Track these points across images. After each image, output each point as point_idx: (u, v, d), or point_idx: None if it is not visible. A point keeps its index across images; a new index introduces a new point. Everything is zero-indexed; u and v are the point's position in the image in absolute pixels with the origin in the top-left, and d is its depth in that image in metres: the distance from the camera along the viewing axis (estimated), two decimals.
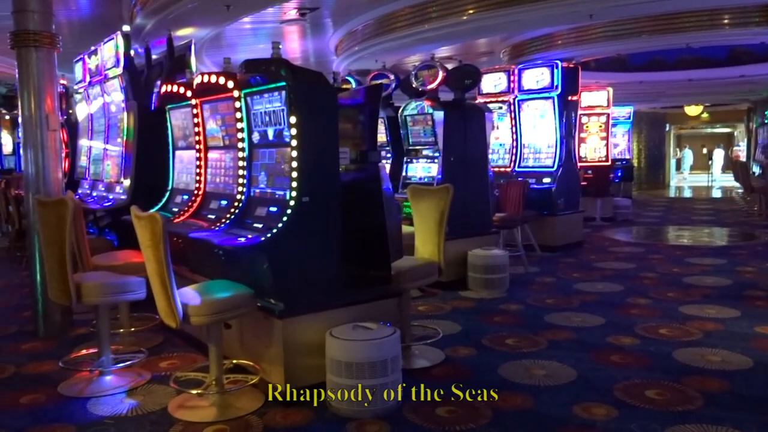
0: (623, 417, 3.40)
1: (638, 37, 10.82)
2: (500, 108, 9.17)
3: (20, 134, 5.25)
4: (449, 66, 7.55)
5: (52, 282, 4.05)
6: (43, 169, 5.07)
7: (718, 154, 28.00)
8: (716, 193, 20.35)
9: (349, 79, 8.54)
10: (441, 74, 7.18)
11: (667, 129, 25.61)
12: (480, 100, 9.13)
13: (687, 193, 20.66)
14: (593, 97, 12.15)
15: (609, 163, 12.09)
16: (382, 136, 7.53)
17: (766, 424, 3.29)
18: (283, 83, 3.70)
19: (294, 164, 3.68)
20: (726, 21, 10.17)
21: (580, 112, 10.34)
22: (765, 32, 10.17)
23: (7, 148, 20.37)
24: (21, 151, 5.22)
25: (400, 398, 3.55)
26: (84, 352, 4.59)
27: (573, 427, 3.32)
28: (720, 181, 24.75)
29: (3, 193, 10.00)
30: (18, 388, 3.99)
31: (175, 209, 5.02)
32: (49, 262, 4.03)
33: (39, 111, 5.05)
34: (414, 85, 7.41)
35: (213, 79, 4.17)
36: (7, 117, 21.99)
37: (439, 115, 6.84)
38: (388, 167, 7.38)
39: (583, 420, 3.38)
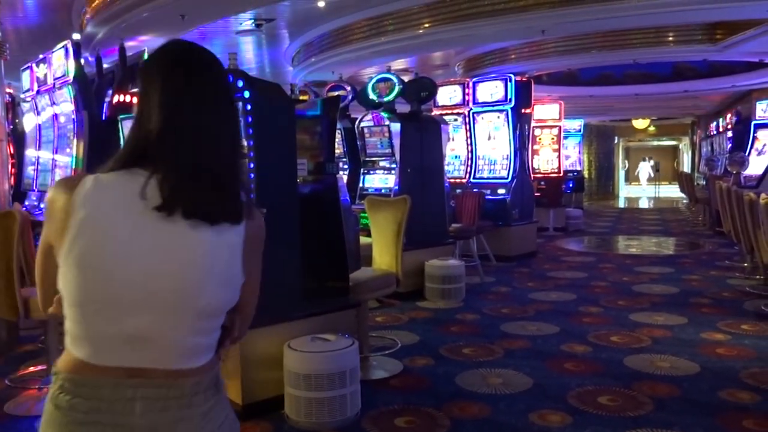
0: (577, 423, 3.47)
1: (588, 53, 11.18)
2: (455, 120, 9.31)
3: None
4: (405, 78, 7.64)
5: None
6: None
7: (644, 167, 29.09)
8: (644, 203, 21.02)
9: (306, 90, 8.54)
10: (397, 86, 7.25)
11: (616, 141, 26.40)
12: (436, 112, 9.25)
13: (636, 204, 21.27)
14: (545, 110, 12.45)
15: (561, 174, 12.37)
16: (338, 148, 7.54)
17: (713, 427, 3.41)
18: (240, 95, 3.68)
19: (251, 175, 3.66)
20: (671, 38, 10.61)
21: (533, 124, 10.58)
22: (707, 50, 10.63)
23: None
24: None
25: (358, 410, 3.54)
26: (32, 369, 4.44)
27: None
28: (648, 192, 25.67)
29: None
30: None
31: None
32: None
33: None
34: (370, 97, 7.46)
35: None
36: None
37: (396, 126, 6.90)
38: (345, 178, 7.39)
39: (539, 427, 3.44)
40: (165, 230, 1.14)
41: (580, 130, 15.87)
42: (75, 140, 5.82)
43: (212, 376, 1.24)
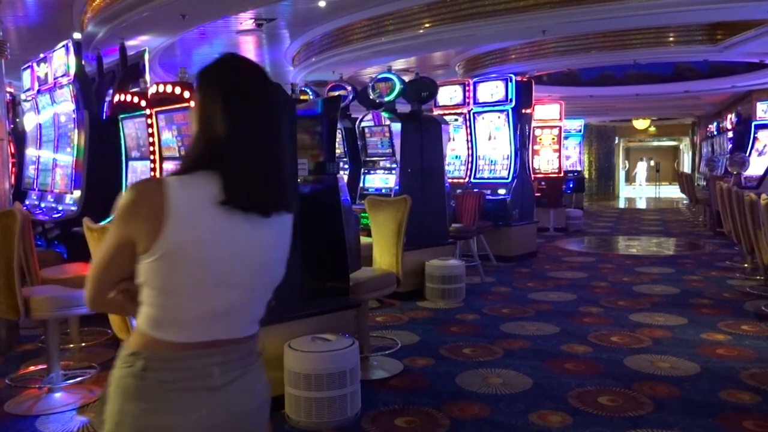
0: (577, 424, 3.47)
1: (588, 53, 11.17)
2: (456, 120, 9.31)
3: None
4: (406, 78, 7.63)
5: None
6: None
7: (642, 167, 29.13)
8: (641, 204, 21.01)
9: (307, 90, 8.54)
10: (398, 86, 7.25)
11: (617, 142, 26.38)
12: (436, 112, 9.24)
13: (637, 204, 21.26)
14: (546, 111, 12.45)
15: (561, 174, 12.38)
16: (339, 148, 7.54)
17: (713, 428, 3.41)
18: None
19: None
20: (671, 39, 10.60)
21: (533, 124, 10.58)
22: (708, 50, 10.62)
23: None
24: None
25: (359, 410, 3.55)
26: (32, 368, 4.44)
27: None
28: (647, 192, 25.66)
29: None
30: None
31: None
32: None
33: None
34: (371, 97, 7.46)
35: (169, 89, 4.12)
36: None
37: (397, 126, 6.90)
38: (345, 178, 7.39)
39: (539, 428, 3.44)
40: (242, 221, 1.36)
41: (580, 131, 15.87)
42: (75, 139, 5.82)
43: (256, 341, 1.52)
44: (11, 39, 6.73)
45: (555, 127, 12.47)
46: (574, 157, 15.62)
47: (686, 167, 26.60)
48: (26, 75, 6.95)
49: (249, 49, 11.36)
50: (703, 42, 10.42)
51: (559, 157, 12.43)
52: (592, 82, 15.35)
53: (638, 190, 28.23)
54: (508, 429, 3.44)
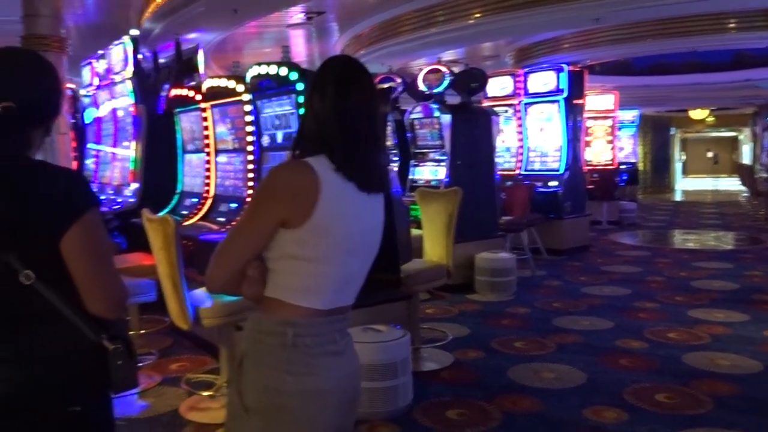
0: (633, 420, 3.40)
1: (644, 41, 10.82)
2: (506, 111, 9.18)
3: None
4: (456, 69, 7.57)
5: None
6: None
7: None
8: (702, 197, 20.30)
9: None
10: (447, 78, 7.20)
11: (673, 132, 25.59)
12: (486, 103, 9.14)
13: (693, 197, 20.61)
14: (599, 101, 12.16)
15: (614, 166, 12.09)
16: (388, 140, 7.54)
17: None
18: (293, 87, 3.72)
19: None
20: (732, 25, 10.17)
21: (585, 115, 10.34)
22: None
23: None
24: None
25: (410, 401, 3.55)
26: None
27: (583, 430, 3.33)
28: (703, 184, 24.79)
29: None
30: None
31: (184, 212, 5.04)
32: None
33: None
34: (421, 89, 7.42)
35: (223, 83, 4.20)
36: None
37: (447, 118, 6.85)
38: (395, 170, 7.38)
39: (593, 423, 3.38)
40: (364, 198, 1.54)
41: (634, 121, 15.43)
42: (133, 133, 5.99)
43: None
44: (72, 36, 6.95)
45: (608, 117, 12.17)
46: (628, 148, 15.20)
47: (746, 159, 25.61)
48: (86, 71, 7.19)
49: (298, 42, 11.45)
50: (765, 27, 9.98)
51: (613, 148, 12.14)
52: (647, 71, 14.92)
53: (695, 182, 27.32)
54: (561, 424, 3.39)
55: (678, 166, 26.65)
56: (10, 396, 1.40)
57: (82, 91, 7.59)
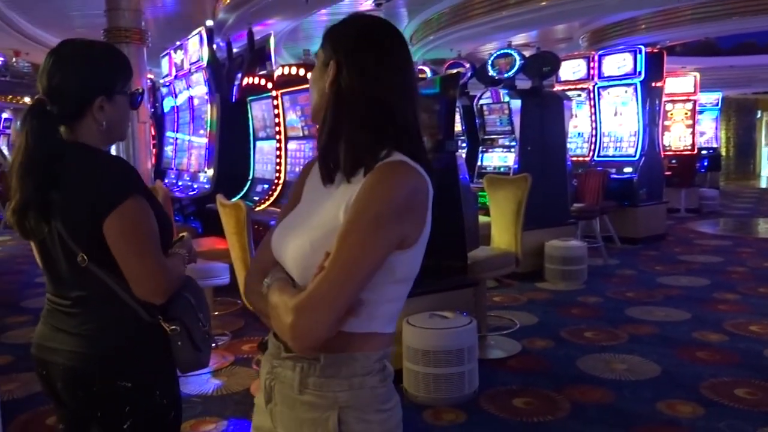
0: (711, 415, 3.27)
1: (729, 19, 10.28)
2: (579, 96, 8.92)
3: None
4: (526, 53, 7.42)
5: None
6: (133, 160, 5.34)
7: None
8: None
9: (424, 68, 8.53)
10: (518, 62, 7.07)
11: (759, 116, 24.19)
12: (558, 87, 8.91)
13: None
14: (679, 83, 11.62)
15: (695, 152, 11.56)
16: (457, 126, 7.49)
17: None
18: None
19: None
20: None
21: (664, 99, 9.92)
22: None
23: None
24: None
25: (476, 388, 3.55)
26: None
27: (656, 423, 3.23)
28: None
29: None
30: None
31: (256, 198, 5.18)
32: None
33: None
34: (490, 74, 7.32)
35: (293, 71, 4.27)
36: None
37: (516, 103, 6.73)
38: (462, 156, 7.33)
39: (668, 417, 3.28)
40: None
41: (717, 104, 14.66)
42: (208, 121, 6.18)
43: None
44: (150, 28, 7.22)
45: (688, 101, 11.62)
46: (710, 132, 14.48)
47: None
48: (164, 62, 7.46)
49: None
50: None
51: (693, 133, 11.60)
52: (731, 51, 14.17)
53: None
54: (633, 416, 3.31)
55: (764, 152, 25.18)
56: (70, 368, 1.54)
57: (161, 81, 7.89)
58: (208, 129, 6.17)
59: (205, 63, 6.20)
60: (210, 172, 6.08)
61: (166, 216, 1.67)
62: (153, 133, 7.68)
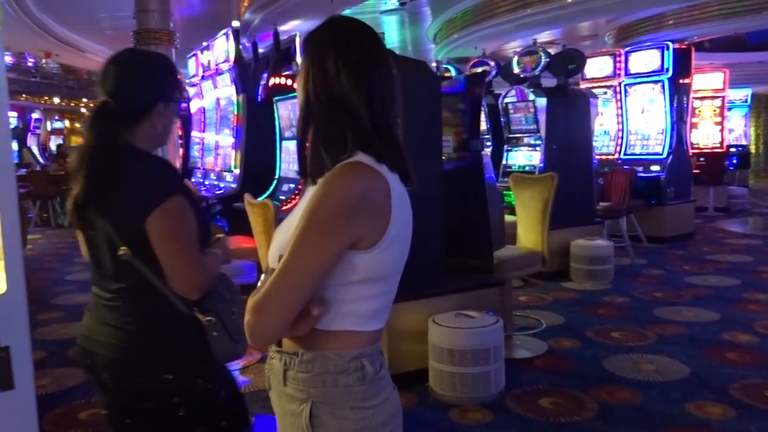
0: (741, 417, 3.23)
1: (759, 14, 10.08)
2: (605, 93, 8.83)
3: None
4: (551, 51, 7.37)
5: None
6: None
7: None
8: None
9: (449, 67, 8.52)
10: (543, 60, 7.02)
11: None
12: (584, 85, 8.83)
13: None
14: (707, 80, 11.45)
15: (723, 149, 11.37)
16: (482, 124, 7.46)
17: None
18: None
19: None
20: None
21: (692, 95, 9.78)
22: None
23: None
24: None
25: (502, 387, 3.54)
26: None
27: (686, 425, 3.20)
28: None
29: None
30: None
31: (282, 197, 5.22)
32: None
33: None
34: (515, 72, 7.29)
35: None
36: None
37: (542, 101, 6.70)
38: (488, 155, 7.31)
39: (697, 418, 3.25)
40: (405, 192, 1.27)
41: (746, 101, 14.40)
42: (234, 121, 6.24)
43: None
44: (178, 29, 7.31)
45: (717, 97, 11.44)
46: (739, 130, 14.22)
47: None
48: (191, 62, 7.55)
49: (392, 28, 11.51)
50: None
51: (722, 130, 11.41)
52: (761, 47, 13.88)
53: None
54: (661, 417, 3.28)
55: None
56: (113, 360, 1.63)
57: (187, 82, 7.98)
58: (234, 129, 6.23)
59: (231, 63, 6.26)
60: (237, 171, 6.14)
61: (204, 216, 1.73)
62: (180, 132, 7.78)
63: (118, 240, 1.57)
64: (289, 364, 1.26)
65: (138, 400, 1.64)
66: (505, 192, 5.62)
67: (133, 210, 1.56)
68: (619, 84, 8.75)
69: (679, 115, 8.41)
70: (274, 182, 5.61)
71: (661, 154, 8.29)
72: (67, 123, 22.41)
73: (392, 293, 1.29)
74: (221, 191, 6.22)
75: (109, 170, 1.58)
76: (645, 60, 8.49)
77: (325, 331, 1.22)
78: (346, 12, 9.21)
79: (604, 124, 8.90)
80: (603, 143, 8.92)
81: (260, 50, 6.87)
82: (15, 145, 17.16)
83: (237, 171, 6.10)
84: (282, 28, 7.85)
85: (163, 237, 1.56)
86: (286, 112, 5.46)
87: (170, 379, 1.61)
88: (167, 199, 1.56)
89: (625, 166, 8.05)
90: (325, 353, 1.23)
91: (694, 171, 9.29)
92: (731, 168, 12.79)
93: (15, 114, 18.82)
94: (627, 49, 8.96)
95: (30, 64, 17.34)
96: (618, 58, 8.80)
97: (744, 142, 14.37)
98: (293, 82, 4.93)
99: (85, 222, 1.64)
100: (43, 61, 16.49)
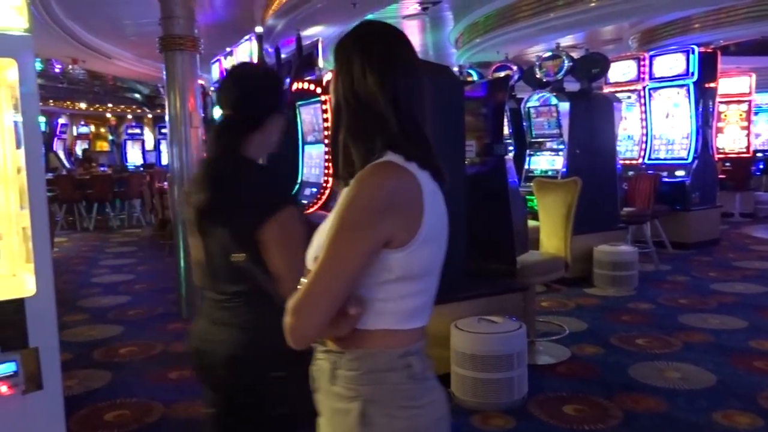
0: None
1: None
2: (629, 97, 8.75)
3: (167, 131, 5.68)
4: (575, 55, 7.32)
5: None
6: (186, 164, 5.47)
7: None
8: None
9: (471, 71, 8.50)
10: (566, 64, 6.98)
11: None
12: (607, 89, 8.75)
13: None
14: (733, 84, 11.27)
15: (750, 154, 11.19)
16: (505, 129, 7.43)
17: None
18: None
19: None
20: None
21: (718, 100, 9.64)
22: None
23: (149, 144, 22.15)
24: (165, 147, 5.67)
25: (525, 393, 3.51)
26: None
27: None
28: None
29: (148, 186, 10.88)
30: (166, 365, 4.34)
31: (305, 201, 5.24)
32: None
33: (183, 110, 5.46)
34: (538, 76, 7.25)
35: None
36: (150, 115, 23.91)
37: (565, 106, 6.66)
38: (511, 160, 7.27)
39: (724, 428, 3.19)
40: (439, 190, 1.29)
41: None
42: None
43: None
44: (202, 35, 7.38)
45: (744, 101, 11.26)
46: (765, 134, 13.97)
47: None
48: (215, 68, 7.63)
49: (413, 33, 11.52)
50: None
51: (748, 134, 11.22)
52: None
53: None
54: (687, 426, 3.23)
55: None
56: (231, 356, 1.73)
57: (211, 88, 8.06)
58: None
59: None
60: None
61: (311, 225, 1.78)
62: (203, 137, 7.84)
63: (235, 246, 1.67)
64: (337, 363, 1.27)
65: (249, 395, 1.73)
66: (527, 197, 5.58)
67: (250, 218, 1.65)
68: (644, 88, 8.65)
69: (705, 120, 8.30)
70: (297, 186, 5.63)
71: (686, 159, 8.18)
72: (92, 128, 22.80)
73: (431, 291, 1.30)
74: None
75: (233, 181, 1.72)
76: (670, 64, 8.39)
77: (367, 331, 1.24)
78: (369, 17, 9.25)
79: (627, 128, 8.81)
80: (627, 148, 8.82)
81: (283, 55, 6.90)
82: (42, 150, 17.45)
83: None
84: (304, 33, 7.90)
85: (276, 244, 1.64)
86: (309, 117, 5.48)
87: (282, 376, 1.69)
88: (282, 209, 1.66)
89: (649, 171, 7.96)
90: (371, 352, 1.24)
91: (720, 176, 9.15)
92: (758, 173, 12.56)
93: (43, 119, 19.16)
94: (651, 52, 8.86)
95: (57, 70, 17.66)
96: (642, 62, 8.70)
97: None
98: (315, 86, 4.95)
99: (204, 227, 1.75)
100: (70, 67, 16.79)
